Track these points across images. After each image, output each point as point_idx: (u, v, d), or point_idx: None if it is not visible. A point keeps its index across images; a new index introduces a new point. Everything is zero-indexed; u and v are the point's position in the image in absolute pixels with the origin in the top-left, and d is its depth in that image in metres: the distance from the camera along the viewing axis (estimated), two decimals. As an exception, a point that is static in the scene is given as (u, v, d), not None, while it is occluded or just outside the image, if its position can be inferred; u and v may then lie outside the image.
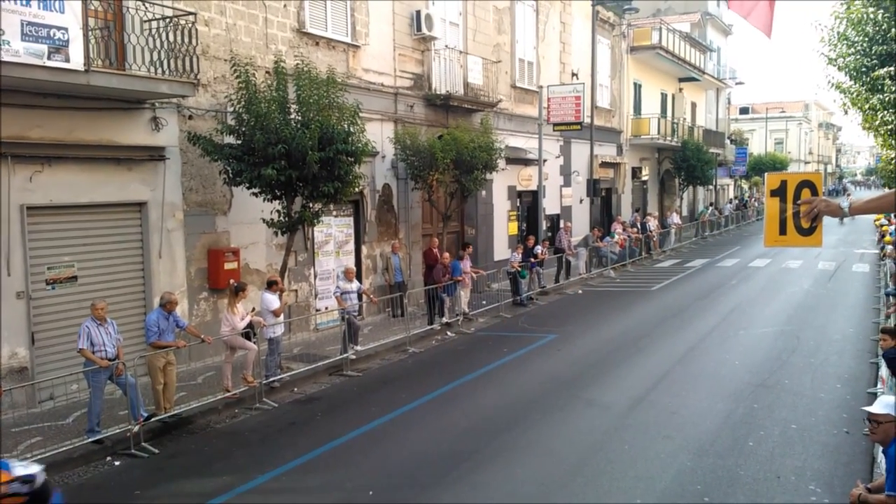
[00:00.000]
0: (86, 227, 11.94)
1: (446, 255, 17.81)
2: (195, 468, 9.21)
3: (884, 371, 9.98)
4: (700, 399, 11.26)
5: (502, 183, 23.66)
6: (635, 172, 36.54)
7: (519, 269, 20.09)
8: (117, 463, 9.39)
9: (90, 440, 9.51)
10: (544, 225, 25.51)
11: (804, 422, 10.13)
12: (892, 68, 11.84)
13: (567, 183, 28.53)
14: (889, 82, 11.88)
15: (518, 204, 25.42)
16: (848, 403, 10.83)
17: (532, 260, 21.04)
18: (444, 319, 17.16)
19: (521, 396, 11.70)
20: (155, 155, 12.72)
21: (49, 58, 9.68)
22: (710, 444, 9.35)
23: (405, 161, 18.12)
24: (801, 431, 9.77)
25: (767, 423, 10.08)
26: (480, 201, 22.44)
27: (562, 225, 25.81)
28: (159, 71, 11.66)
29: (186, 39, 11.93)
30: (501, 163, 21.00)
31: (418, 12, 19.19)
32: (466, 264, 18.46)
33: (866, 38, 12.51)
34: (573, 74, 28.40)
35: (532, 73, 25.84)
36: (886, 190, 13.45)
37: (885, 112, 12.28)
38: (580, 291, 22.82)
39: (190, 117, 13.32)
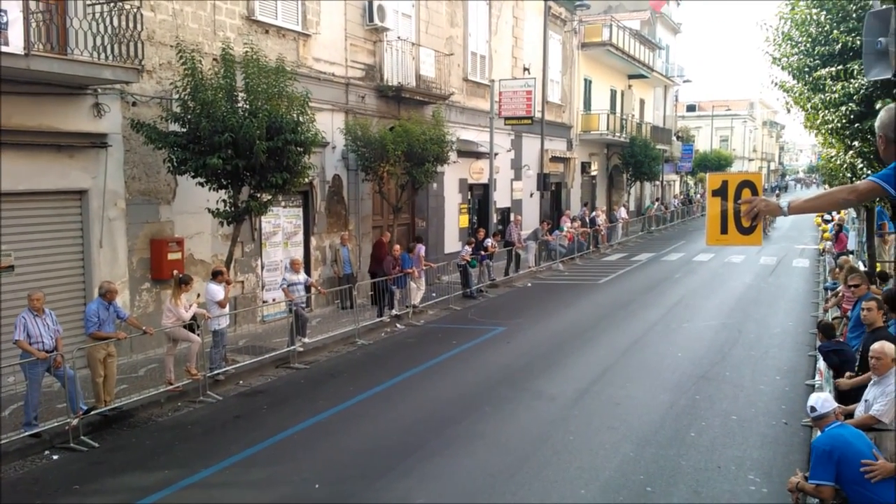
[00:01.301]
0: (24, 216, 11.59)
1: (397, 247, 17.76)
2: (136, 462, 9.02)
3: (821, 364, 10.27)
4: (643, 390, 11.45)
5: (454, 176, 23.66)
6: (584, 167, 36.92)
7: (469, 259, 20.14)
8: (55, 457, 9.16)
9: (27, 434, 9.26)
10: (495, 218, 25.63)
11: (744, 413, 10.38)
12: (833, 69, 12.10)
13: (518, 177, 28.69)
14: (830, 82, 12.13)
15: (469, 197, 25.47)
16: (787, 395, 11.13)
17: (482, 253, 21.12)
18: (394, 312, 17.12)
19: (469, 388, 11.74)
20: (97, 142, 12.40)
21: (-14, 40, 9.36)
22: (652, 434, 9.52)
23: (356, 152, 18.00)
24: (742, 422, 10.00)
25: (709, 415, 10.29)
26: (431, 194, 22.42)
27: (512, 218, 25.95)
28: (102, 56, 11.35)
29: (131, 24, 11.64)
30: (453, 155, 21.00)
31: (371, 2, 19.01)
32: (420, 250, 18.53)
33: (809, 39, 12.77)
34: (525, 69, 28.54)
35: (484, 66, 25.88)
36: (827, 188, 13.73)
37: (826, 111, 12.53)
38: (529, 284, 22.99)
39: (134, 104, 13.01)
